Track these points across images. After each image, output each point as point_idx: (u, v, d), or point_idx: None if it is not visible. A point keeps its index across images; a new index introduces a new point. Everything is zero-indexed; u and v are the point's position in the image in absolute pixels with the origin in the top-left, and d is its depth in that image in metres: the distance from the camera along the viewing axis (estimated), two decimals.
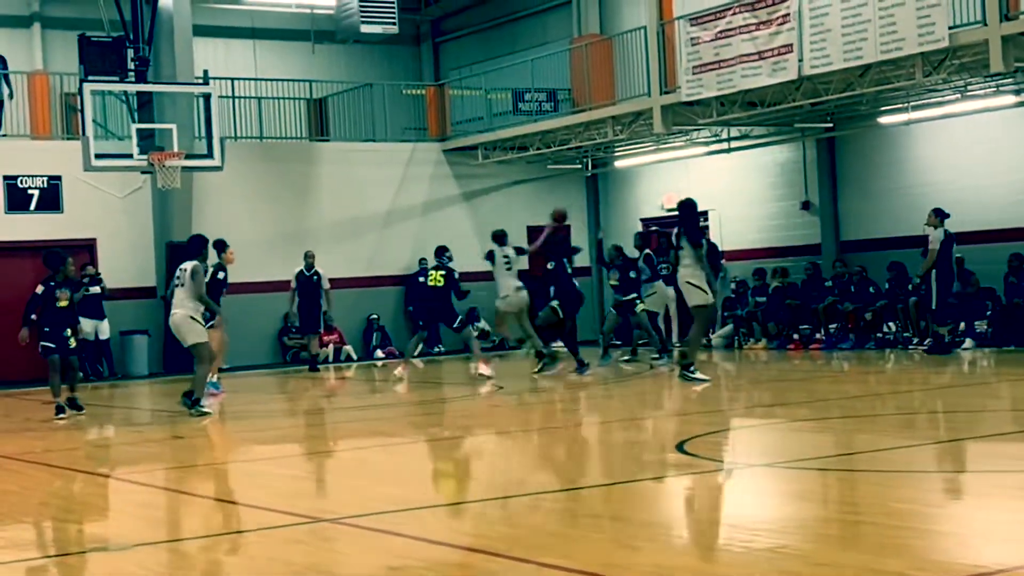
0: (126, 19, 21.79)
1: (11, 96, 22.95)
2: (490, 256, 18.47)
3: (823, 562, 6.14)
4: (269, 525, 7.94)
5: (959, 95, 19.24)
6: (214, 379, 16.41)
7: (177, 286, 14.77)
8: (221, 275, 17.08)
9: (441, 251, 18.68)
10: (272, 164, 24.49)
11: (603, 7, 25.72)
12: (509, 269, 18.21)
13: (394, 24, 24.05)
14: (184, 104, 21.89)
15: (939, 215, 18.16)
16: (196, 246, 15.15)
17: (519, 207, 26.24)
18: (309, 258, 21.40)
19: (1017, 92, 18.87)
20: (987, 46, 16.32)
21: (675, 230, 15.83)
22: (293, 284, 21.24)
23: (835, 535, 6.86)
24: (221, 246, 17.47)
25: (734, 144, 23.00)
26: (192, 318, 14.64)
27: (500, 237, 18.60)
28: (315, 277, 21.36)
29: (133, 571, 6.87)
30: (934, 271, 18.01)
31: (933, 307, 18.16)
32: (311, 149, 25.39)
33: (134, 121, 21.40)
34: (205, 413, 14.61)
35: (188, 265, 14.76)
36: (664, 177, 25.23)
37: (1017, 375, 15.69)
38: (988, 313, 19.01)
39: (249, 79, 25.71)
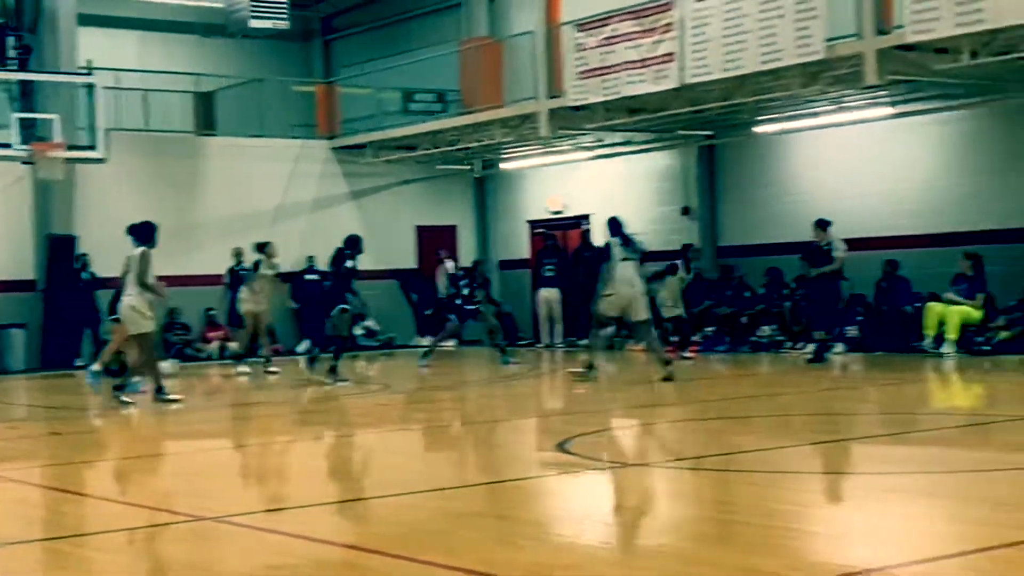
0: (8, 6, 21.47)
1: None
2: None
3: (699, 560, 6.29)
4: (149, 524, 7.90)
5: (835, 106, 19.80)
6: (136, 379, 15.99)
7: (124, 273, 14.59)
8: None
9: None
10: (158, 158, 24.24)
11: (492, 10, 25.92)
12: None
13: (285, 19, 23.99)
14: (67, 94, 21.62)
15: (822, 225, 18.03)
16: (146, 232, 14.75)
17: (408, 207, 26.34)
18: (238, 254, 21.45)
19: (891, 104, 19.47)
20: (862, 59, 16.79)
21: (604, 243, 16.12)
22: (226, 279, 21.28)
23: (712, 534, 7.01)
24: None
25: (618, 149, 23.38)
26: (134, 308, 14.41)
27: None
28: (242, 271, 21.48)
29: (8, 569, 6.77)
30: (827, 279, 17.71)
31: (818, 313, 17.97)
32: (198, 143, 25.17)
33: (15, 110, 21.08)
34: (173, 400, 14.58)
35: (136, 251, 14.53)
36: (550, 180, 25.53)
37: (886, 379, 16.18)
38: (858, 319, 19.59)
39: (135, 71, 25.42)
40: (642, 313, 15.64)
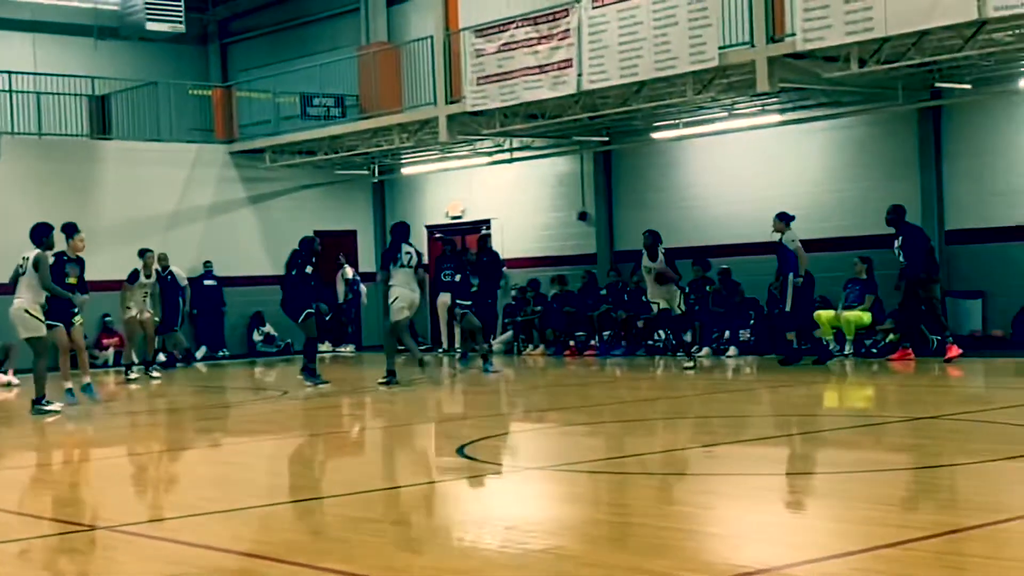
0: None
1: None
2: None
3: (595, 562, 6.36)
4: (43, 534, 7.83)
5: (728, 113, 20.16)
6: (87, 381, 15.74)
7: (20, 275, 14.30)
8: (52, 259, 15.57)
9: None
10: (51, 162, 23.92)
11: (391, 15, 25.96)
12: None
13: (181, 23, 23.84)
14: None
15: (784, 219, 17.69)
16: (39, 234, 14.51)
17: (307, 212, 26.27)
18: (164, 260, 21.43)
19: (782, 111, 19.88)
20: (754, 66, 17.14)
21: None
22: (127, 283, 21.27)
23: (607, 536, 7.10)
24: (70, 230, 16.06)
25: (516, 155, 23.57)
26: (27, 311, 14.20)
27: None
28: (169, 277, 21.47)
29: None
30: (791, 275, 17.42)
31: (787, 310, 17.59)
32: (93, 147, 24.89)
33: None
34: (50, 412, 14.34)
35: (31, 253, 14.27)
36: (450, 185, 25.64)
37: (777, 382, 16.46)
38: (751, 322, 19.97)
39: (28, 73, 25.07)
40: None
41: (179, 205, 25.01)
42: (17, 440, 13.45)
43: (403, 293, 16.70)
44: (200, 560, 6.83)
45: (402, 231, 16.96)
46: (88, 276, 22.67)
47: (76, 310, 15.44)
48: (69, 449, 12.63)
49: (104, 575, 6.68)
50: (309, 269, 17.32)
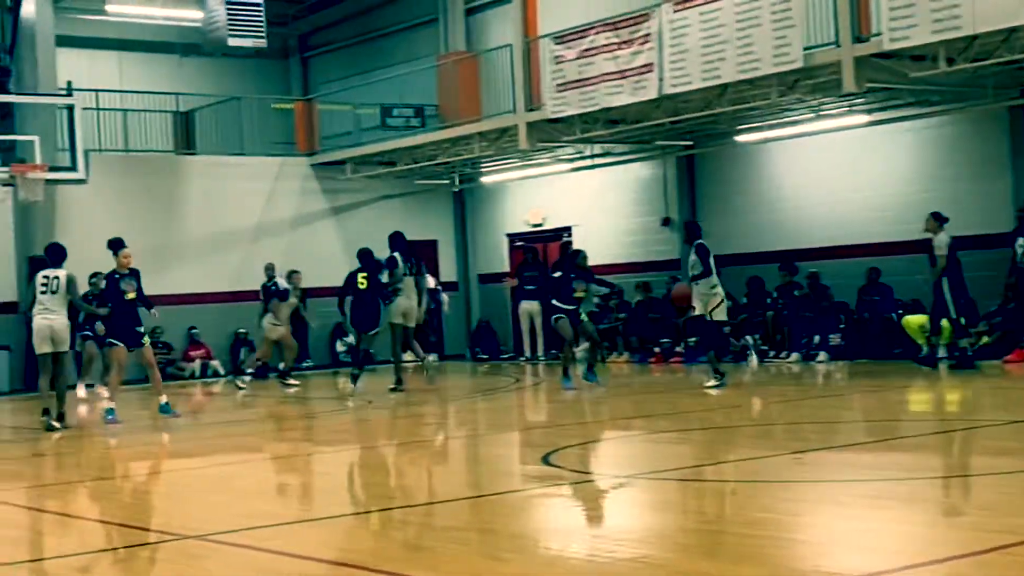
0: None
1: None
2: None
3: (684, 571, 6.29)
4: (134, 543, 7.90)
5: (814, 114, 19.87)
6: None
7: (45, 293, 14.51)
8: (103, 283, 16.07)
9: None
10: (138, 178, 24.22)
11: (469, 24, 25.96)
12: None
13: (262, 38, 23.98)
14: (47, 116, 21.57)
15: (939, 219, 16.92)
16: (60, 256, 14.86)
17: (387, 222, 26.17)
18: (270, 270, 21.64)
19: (868, 112, 19.56)
20: (840, 67, 16.87)
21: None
22: (261, 297, 21.57)
23: (696, 544, 7.01)
24: (116, 246, 16.02)
25: (597, 161, 23.42)
26: (67, 327, 14.62)
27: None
28: (273, 287, 21.73)
29: None
30: (945, 279, 16.76)
31: (953, 316, 16.85)
32: (178, 163, 25.16)
33: None
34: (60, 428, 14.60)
35: (61, 273, 14.55)
36: (530, 193, 25.56)
37: (869, 387, 16.21)
38: (841, 327, 19.65)
39: (115, 91, 25.41)
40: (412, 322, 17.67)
41: (262, 218, 25.19)
42: (107, 451, 13.59)
43: (399, 301, 17.45)
44: (288, 568, 6.84)
45: (397, 240, 17.85)
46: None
47: (141, 329, 15.53)
48: (157, 459, 12.72)
49: None
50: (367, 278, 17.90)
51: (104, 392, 17.98)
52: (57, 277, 14.57)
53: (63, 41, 23.88)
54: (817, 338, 19.64)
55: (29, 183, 19.99)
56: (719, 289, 15.83)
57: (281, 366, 20.03)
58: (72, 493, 10.59)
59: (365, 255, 18.15)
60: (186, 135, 26.43)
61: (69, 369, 15.10)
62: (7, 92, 21.43)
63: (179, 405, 18.79)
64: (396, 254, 17.63)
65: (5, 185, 20.83)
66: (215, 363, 24.11)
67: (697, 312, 16.12)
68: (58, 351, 14.67)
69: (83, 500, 10.23)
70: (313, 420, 16.21)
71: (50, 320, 14.52)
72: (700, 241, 15.82)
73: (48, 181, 20.57)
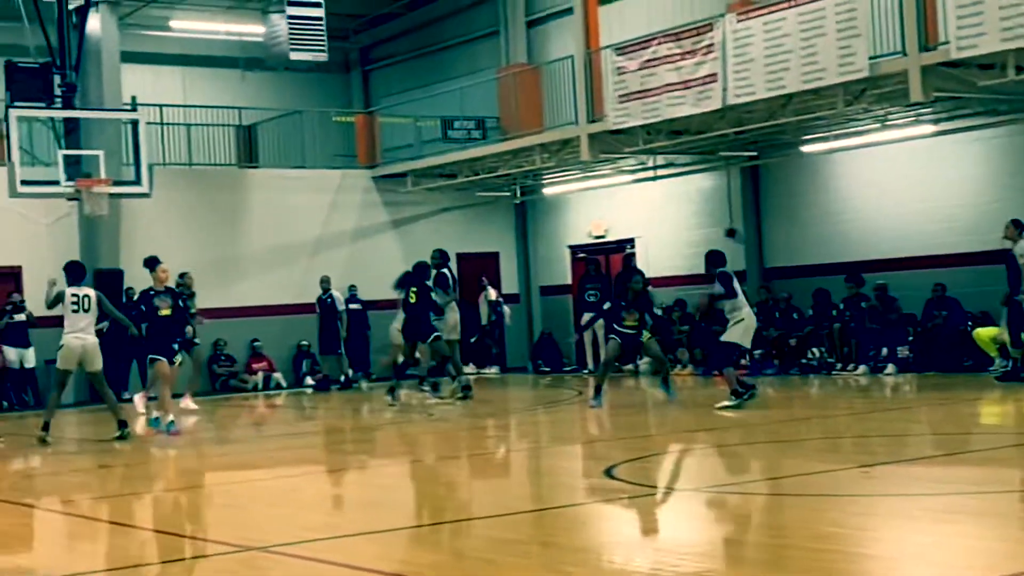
0: (53, 45, 21.63)
1: None
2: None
3: None
4: (197, 554, 7.93)
5: (880, 124, 19.61)
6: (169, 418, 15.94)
7: (77, 311, 14.62)
8: (143, 304, 16.09)
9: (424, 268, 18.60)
10: (201, 191, 24.39)
11: (531, 36, 25.94)
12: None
13: (324, 51, 24.07)
14: (112, 130, 21.77)
15: (1019, 226, 16.57)
16: (80, 273, 15.09)
17: (448, 234, 26.28)
18: (325, 283, 21.77)
19: (936, 122, 19.27)
20: (907, 76, 16.64)
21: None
22: (317, 310, 21.77)
23: (761, 559, 6.93)
24: (151, 264, 16.33)
25: (660, 172, 23.25)
26: (97, 345, 14.73)
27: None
28: (329, 300, 21.86)
29: None
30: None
31: None
32: (240, 176, 25.32)
33: (61, 147, 21.23)
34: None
35: (91, 292, 14.75)
36: (592, 204, 25.45)
37: (937, 400, 15.97)
38: (909, 339, 19.36)
39: (178, 106, 25.63)
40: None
41: (324, 230, 25.27)
42: (170, 462, 13.65)
43: (451, 316, 18.40)
44: None
45: (446, 257, 18.82)
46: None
47: (175, 347, 15.83)
48: (219, 471, 12.75)
49: None
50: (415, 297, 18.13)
51: (141, 406, 18.12)
52: (88, 296, 14.71)
53: (128, 57, 24.12)
54: (885, 350, 19.35)
55: (94, 197, 20.16)
56: (740, 313, 15.56)
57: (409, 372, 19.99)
58: (136, 504, 10.64)
59: (420, 269, 18.26)
60: (249, 149, 26.61)
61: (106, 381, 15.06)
62: (73, 108, 21.62)
63: (242, 417, 18.91)
64: (446, 270, 18.23)
65: (71, 199, 21.03)
66: (277, 375, 24.18)
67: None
68: (91, 370, 14.78)
69: (147, 511, 10.28)
70: (374, 432, 16.18)
71: (82, 340, 14.62)
72: (722, 270, 15.60)
73: (113, 195, 20.74)
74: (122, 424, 14.85)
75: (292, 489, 11.17)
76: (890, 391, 17.49)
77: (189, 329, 18.21)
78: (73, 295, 14.70)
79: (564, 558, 7.18)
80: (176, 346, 15.84)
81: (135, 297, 17.37)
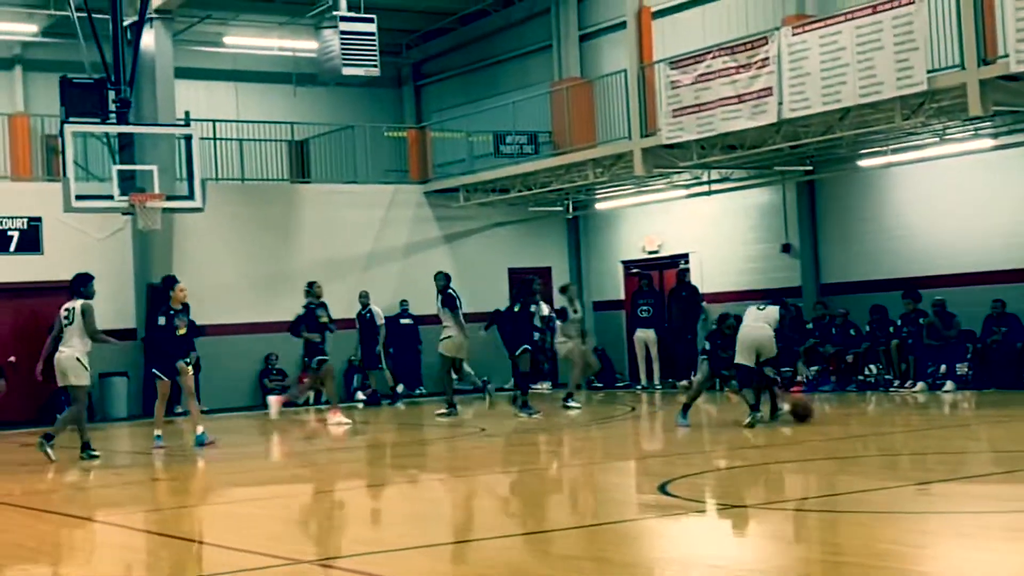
0: (108, 62, 21.76)
1: None
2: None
3: None
4: (249, 567, 7.86)
5: (938, 138, 19.35)
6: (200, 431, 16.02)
7: (66, 324, 14.68)
8: (162, 320, 16.09)
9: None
10: (253, 206, 24.46)
11: (583, 51, 25.85)
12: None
13: (376, 67, 24.03)
14: (165, 146, 21.84)
15: None
16: (78, 284, 15.03)
17: (500, 249, 26.27)
18: (364, 298, 21.81)
19: (995, 136, 18.99)
20: (965, 90, 16.43)
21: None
22: (357, 325, 21.83)
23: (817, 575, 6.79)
24: (170, 283, 16.61)
25: (714, 187, 23.04)
26: (79, 359, 14.63)
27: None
28: (368, 315, 21.90)
29: None
30: None
31: None
32: (292, 191, 25.38)
33: (115, 162, 21.33)
34: (96, 456, 14.71)
35: (77, 304, 14.72)
36: (645, 219, 25.28)
37: (997, 417, 15.69)
38: (968, 356, 19.05)
39: (231, 121, 25.75)
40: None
41: (375, 245, 25.26)
42: (222, 476, 13.64)
43: (457, 334, 18.95)
44: None
45: (449, 278, 19.22)
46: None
47: (188, 361, 15.91)
48: (270, 485, 12.70)
49: None
50: (518, 307, 18.59)
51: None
52: (74, 308, 14.71)
53: (181, 73, 24.26)
54: (943, 367, 19.05)
55: (147, 212, 20.21)
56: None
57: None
58: (188, 517, 10.61)
59: (527, 284, 18.68)
60: (301, 163, 26.68)
61: (83, 401, 14.96)
62: (127, 123, 21.72)
63: (294, 431, 18.89)
64: (451, 290, 19.16)
65: (125, 214, 21.12)
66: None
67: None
68: (68, 384, 14.74)
69: (198, 524, 10.25)
70: (426, 447, 16.09)
71: (63, 353, 14.64)
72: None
73: (166, 210, 20.77)
74: (85, 446, 14.83)
75: (342, 503, 11.12)
76: (948, 408, 17.20)
77: (316, 336, 18.65)
78: (66, 309, 14.77)
79: (617, 573, 7.07)
80: (187, 360, 15.91)
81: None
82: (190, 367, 16.08)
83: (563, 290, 20.91)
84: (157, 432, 15.77)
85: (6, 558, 8.65)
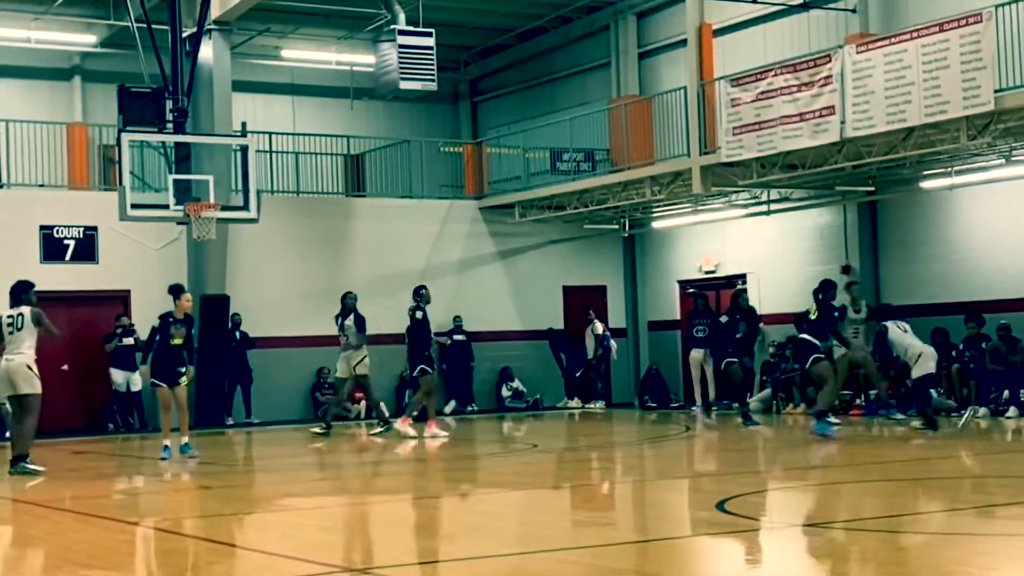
0: (166, 73, 21.80)
1: None
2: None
3: None
4: (298, 574, 7.74)
5: (1003, 160, 18.97)
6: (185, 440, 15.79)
7: (9, 333, 14.27)
8: (157, 322, 15.93)
9: None
10: (308, 219, 24.41)
11: (642, 68, 25.65)
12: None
13: (433, 81, 23.90)
14: (222, 157, 21.85)
15: None
16: (19, 291, 14.47)
17: (555, 267, 26.07)
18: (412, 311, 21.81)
19: None
20: None
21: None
22: (405, 340, 21.81)
23: None
24: (176, 292, 16.28)
25: (774, 207, 22.73)
26: (29, 367, 14.18)
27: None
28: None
29: None
30: None
31: None
32: (347, 204, 25.32)
33: (171, 172, 21.35)
34: (35, 472, 14.16)
35: (25, 311, 14.26)
36: (702, 239, 25.00)
37: None
38: None
39: (287, 134, 25.77)
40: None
41: (429, 260, 25.13)
42: (275, 486, 13.55)
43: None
44: None
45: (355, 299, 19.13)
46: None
47: (183, 370, 15.65)
48: (319, 495, 12.57)
49: None
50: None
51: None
52: (22, 315, 14.30)
53: (239, 86, 24.29)
54: (1007, 393, 18.62)
55: (202, 221, 20.15)
56: None
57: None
58: (237, 525, 10.49)
59: (827, 284, 17.31)
60: (356, 177, 26.63)
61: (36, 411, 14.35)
62: (184, 133, 21.74)
63: (344, 445, 18.77)
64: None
65: (180, 224, 21.10)
66: (381, 405, 23.95)
67: None
68: (19, 393, 14.26)
69: (248, 532, 10.14)
70: (476, 462, 15.90)
71: (9, 360, 14.23)
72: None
73: (220, 220, 20.71)
74: (15, 460, 14.34)
75: (392, 514, 10.96)
76: (1011, 434, 16.80)
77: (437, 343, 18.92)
78: (9, 316, 14.36)
79: None
80: (182, 370, 15.67)
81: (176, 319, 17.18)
82: (184, 379, 15.71)
83: (848, 287, 20.01)
84: (166, 442, 15.61)
85: (58, 560, 8.58)
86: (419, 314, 18.31)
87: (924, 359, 16.52)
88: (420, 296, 18.70)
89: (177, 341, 15.60)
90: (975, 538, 8.43)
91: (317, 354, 23.08)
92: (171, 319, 15.68)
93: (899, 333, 16.83)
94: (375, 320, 20.93)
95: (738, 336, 20.12)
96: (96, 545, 9.30)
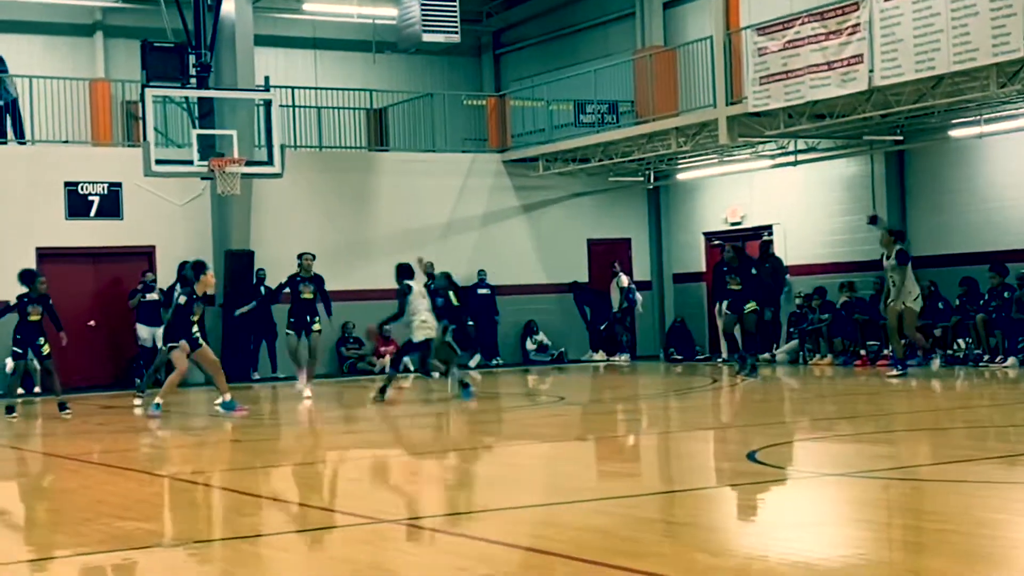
0: (188, 28, 21.72)
1: (16, 98, 22.84)
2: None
3: (913, 569, 5.89)
4: (329, 525, 7.79)
5: None
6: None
7: None
8: (183, 300, 15.85)
9: None
10: (331, 173, 24.37)
11: (667, 18, 25.40)
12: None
13: (456, 33, 23.83)
14: (245, 112, 21.78)
15: None
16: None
17: (580, 220, 25.98)
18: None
19: None
20: None
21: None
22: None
23: (918, 542, 6.60)
24: (200, 268, 16.21)
25: (801, 157, 22.57)
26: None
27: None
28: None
29: (191, 568, 6.77)
30: None
31: None
32: (370, 159, 25.25)
33: (195, 127, 21.30)
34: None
35: None
36: (728, 190, 24.86)
37: None
38: None
39: (310, 88, 25.68)
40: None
41: (453, 214, 25.06)
42: (302, 440, 13.57)
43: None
44: (488, 554, 6.67)
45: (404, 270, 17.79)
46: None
47: (196, 335, 15.71)
48: (346, 448, 12.60)
49: (391, 566, 6.55)
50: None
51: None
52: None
53: (261, 40, 24.16)
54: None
55: (226, 177, 20.14)
56: None
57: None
58: (267, 476, 10.53)
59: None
60: (379, 131, 26.53)
61: None
62: (207, 88, 21.67)
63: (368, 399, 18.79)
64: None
65: (204, 179, 21.11)
66: (406, 359, 23.96)
67: None
68: None
69: (276, 483, 10.16)
70: (503, 414, 15.91)
71: None
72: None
73: (244, 175, 20.69)
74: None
75: (419, 467, 10.97)
76: None
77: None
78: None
79: (707, 538, 6.92)
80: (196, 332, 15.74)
81: (178, 289, 17.09)
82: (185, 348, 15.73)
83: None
84: (226, 397, 15.61)
85: (90, 512, 8.62)
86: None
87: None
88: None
89: (195, 317, 15.66)
90: (1013, 486, 8.37)
91: (342, 309, 23.03)
92: (195, 296, 15.68)
93: None
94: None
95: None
96: (128, 497, 9.35)
